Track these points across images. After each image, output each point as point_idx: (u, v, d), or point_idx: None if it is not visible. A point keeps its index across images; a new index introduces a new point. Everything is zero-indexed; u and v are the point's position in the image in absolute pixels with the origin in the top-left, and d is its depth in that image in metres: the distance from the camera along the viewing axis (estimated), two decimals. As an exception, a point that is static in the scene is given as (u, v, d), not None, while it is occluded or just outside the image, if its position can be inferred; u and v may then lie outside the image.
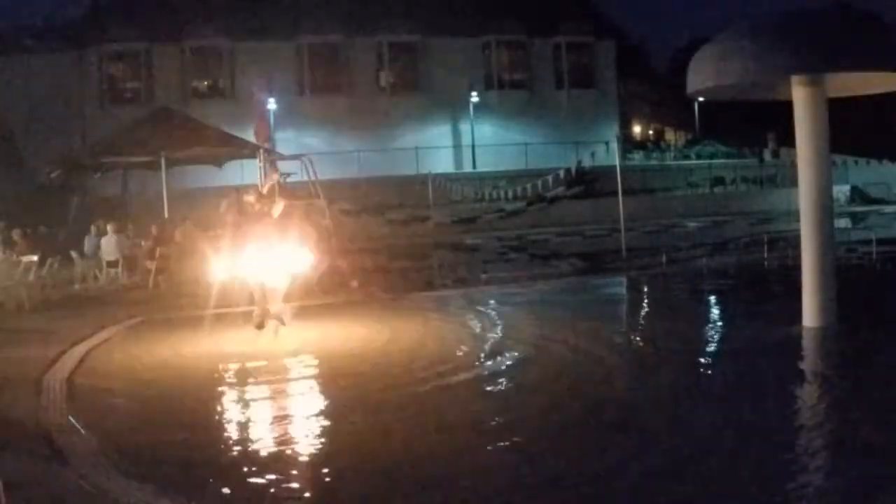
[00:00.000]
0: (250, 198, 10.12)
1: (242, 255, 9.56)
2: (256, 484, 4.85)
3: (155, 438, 5.81)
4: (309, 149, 26.75)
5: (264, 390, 7.32)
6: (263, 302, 9.59)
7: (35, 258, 14.17)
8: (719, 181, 37.14)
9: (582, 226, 25.96)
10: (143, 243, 17.23)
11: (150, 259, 15.77)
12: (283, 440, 5.77)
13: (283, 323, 9.56)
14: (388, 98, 38.00)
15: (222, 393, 7.26)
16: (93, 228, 17.53)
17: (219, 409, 6.71)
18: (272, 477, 4.95)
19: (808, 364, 7.73)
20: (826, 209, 8.52)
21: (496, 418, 6.05)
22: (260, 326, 9.51)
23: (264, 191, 10.04)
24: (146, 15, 34.77)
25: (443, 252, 23.75)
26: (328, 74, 37.33)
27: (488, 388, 7.10)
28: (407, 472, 4.98)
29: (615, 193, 17.64)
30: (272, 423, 6.30)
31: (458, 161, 38.53)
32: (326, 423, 6.18)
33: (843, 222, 23.27)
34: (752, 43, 8.03)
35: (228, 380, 7.78)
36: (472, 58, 38.73)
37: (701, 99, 13.10)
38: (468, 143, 38.03)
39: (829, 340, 8.18)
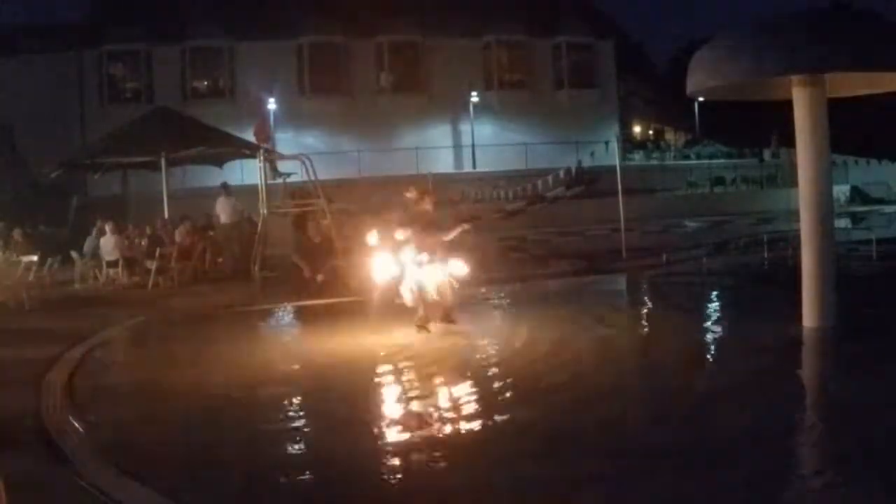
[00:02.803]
0: (412, 195, 9.65)
1: (412, 256, 9.24)
2: (258, 484, 4.85)
3: (155, 438, 5.81)
4: (309, 149, 26.73)
5: (267, 391, 7.31)
6: (426, 304, 9.28)
7: (35, 258, 14.18)
8: (719, 181, 37.13)
9: (582, 226, 25.90)
10: (142, 243, 17.26)
11: (149, 259, 15.79)
12: (286, 439, 5.77)
13: (449, 321, 9.33)
14: (388, 98, 38.00)
15: (222, 393, 7.23)
16: (94, 230, 17.55)
17: (219, 408, 6.70)
18: (274, 477, 4.95)
19: (807, 364, 7.74)
20: (826, 209, 8.51)
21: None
22: (422, 328, 9.19)
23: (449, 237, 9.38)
24: (146, 15, 34.77)
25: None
26: (328, 74, 37.31)
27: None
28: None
29: (615, 193, 17.60)
30: (274, 424, 6.28)
31: (458, 161, 38.54)
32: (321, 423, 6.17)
33: (843, 222, 23.23)
34: (752, 43, 8.03)
35: (229, 380, 7.76)
36: (472, 58, 38.72)
37: (701, 99, 13.11)
38: (468, 143, 38.03)
39: (829, 341, 8.17)
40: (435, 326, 9.29)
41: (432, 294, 9.20)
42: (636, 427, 5.67)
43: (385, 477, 4.91)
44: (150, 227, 17.97)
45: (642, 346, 8.84)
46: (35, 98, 31.35)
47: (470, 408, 6.37)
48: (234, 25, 35.69)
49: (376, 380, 7.51)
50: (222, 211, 17.71)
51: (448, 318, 9.31)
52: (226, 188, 18.26)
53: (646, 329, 10.00)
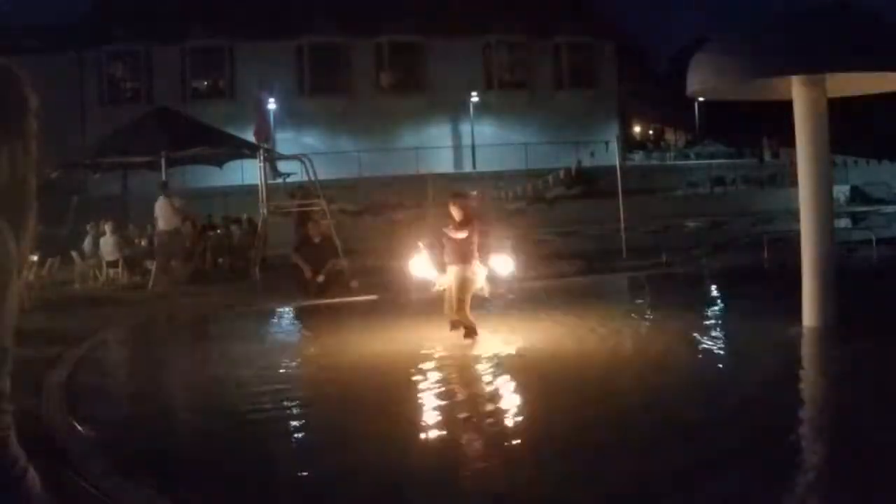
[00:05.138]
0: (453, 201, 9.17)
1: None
2: (258, 484, 4.85)
3: (155, 438, 5.81)
4: (309, 149, 26.77)
5: (263, 391, 7.30)
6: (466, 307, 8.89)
7: (35, 258, 14.16)
8: (719, 181, 37.11)
9: (582, 226, 25.90)
10: (142, 243, 17.24)
11: (149, 259, 15.77)
12: (287, 437, 5.77)
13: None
14: (388, 98, 37.99)
15: (221, 393, 7.23)
16: (90, 228, 17.54)
17: (216, 408, 6.69)
18: (273, 478, 4.95)
19: (807, 364, 7.74)
20: (826, 209, 8.52)
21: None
22: (470, 334, 8.79)
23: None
24: (146, 15, 34.77)
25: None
26: (328, 74, 37.32)
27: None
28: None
29: (615, 193, 17.60)
30: (273, 424, 6.28)
31: (458, 161, 38.53)
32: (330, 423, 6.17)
33: (843, 222, 23.23)
34: (752, 43, 8.04)
35: (228, 380, 7.75)
36: (472, 58, 38.72)
37: (701, 99, 13.12)
38: (468, 143, 38.03)
39: (829, 340, 8.18)
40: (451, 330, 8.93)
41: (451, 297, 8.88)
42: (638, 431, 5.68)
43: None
44: (150, 226, 17.92)
45: (638, 347, 8.84)
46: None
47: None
48: (234, 25, 35.68)
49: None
50: (160, 215, 15.44)
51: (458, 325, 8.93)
52: (164, 188, 16.13)
53: (642, 330, 9.98)
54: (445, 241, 8.89)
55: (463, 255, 8.78)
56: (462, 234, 8.72)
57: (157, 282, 14.75)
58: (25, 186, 1.49)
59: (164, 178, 17.96)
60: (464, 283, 8.76)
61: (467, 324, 8.77)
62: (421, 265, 9.42)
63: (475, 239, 8.86)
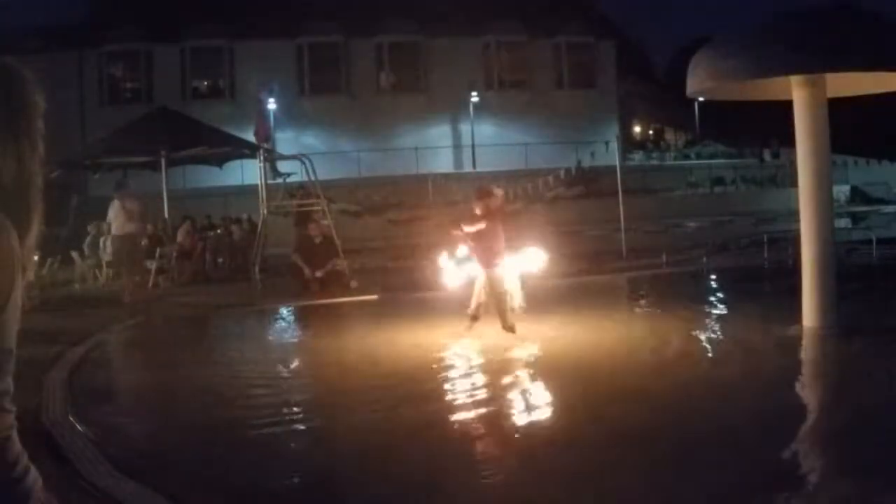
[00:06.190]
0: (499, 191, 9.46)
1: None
2: (259, 485, 4.85)
3: (155, 438, 5.81)
4: (309, 149, 26.74)
5: (264, 389, 7.31)
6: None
7: (35, 258, 14.06)
8: (719, 181, 37.11)
9: (582, 226, 25.92)
10: (142, 243, 17.20)
11: (149, 259, 15.75)
12: (287, 438, 5.77)
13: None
14: (388, 98, 37.98)
15: (219, 393, 7.23)
16: (90, 228, 17.54)
17: (216, 408, 6.69)
18: (272, 478, 4.96)
19: (807, 364, 7.74)
20: (826, 209, 8.51)
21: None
22: (473, 320, 8.93)
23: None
24: (146, 15, 34.76)
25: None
26: (328, 74, 37.31)
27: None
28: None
29: (615, 193, 17.62)
30: (275, 424, 6.28)
31: (458, 161, 38.50)
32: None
33: (843, 222, 23.24)
34: (752, 43, 8.04)
35: (227, 379, 7.76)
36: (472, 58, 38.67)
37: (701, 99, 13.13)
38: (468, 143, 37.99)
39: (829, 341, 8.17)
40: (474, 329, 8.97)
41: (481, 296, 8.96)
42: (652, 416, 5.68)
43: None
44: (150, 226, 17.92)
45: (634, 348, 8.84)
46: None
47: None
48: (234, 25, 35.67)
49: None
50: (115, 219, 13.89)
51: (476, 318, 8.98)
52: (118, 188, 14.34)
53: (638, 331, 9.99)
54: (469, 240, 8.89)
55: (487, 255, 8.81)
56: (479, 226, 8.72)
57: (127, 290, 13.47)
58: (31, 187, 1.50)
59: (163, 177, 17.96)
60: (493, 286, 8.79)
61: (506, 325, 8.77)
62: (453, 264, 9.36)
63: (497, 235, 8.84)
